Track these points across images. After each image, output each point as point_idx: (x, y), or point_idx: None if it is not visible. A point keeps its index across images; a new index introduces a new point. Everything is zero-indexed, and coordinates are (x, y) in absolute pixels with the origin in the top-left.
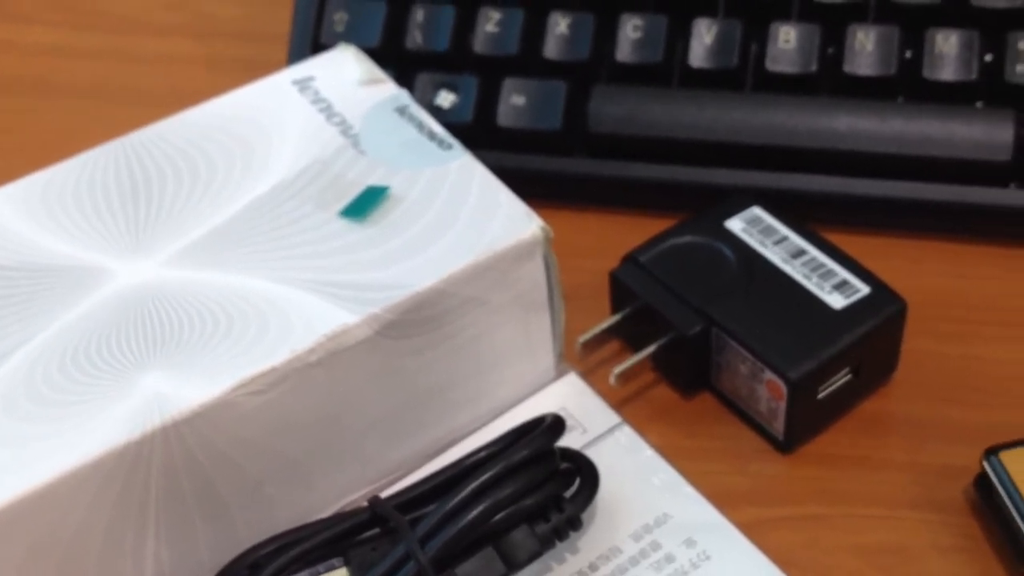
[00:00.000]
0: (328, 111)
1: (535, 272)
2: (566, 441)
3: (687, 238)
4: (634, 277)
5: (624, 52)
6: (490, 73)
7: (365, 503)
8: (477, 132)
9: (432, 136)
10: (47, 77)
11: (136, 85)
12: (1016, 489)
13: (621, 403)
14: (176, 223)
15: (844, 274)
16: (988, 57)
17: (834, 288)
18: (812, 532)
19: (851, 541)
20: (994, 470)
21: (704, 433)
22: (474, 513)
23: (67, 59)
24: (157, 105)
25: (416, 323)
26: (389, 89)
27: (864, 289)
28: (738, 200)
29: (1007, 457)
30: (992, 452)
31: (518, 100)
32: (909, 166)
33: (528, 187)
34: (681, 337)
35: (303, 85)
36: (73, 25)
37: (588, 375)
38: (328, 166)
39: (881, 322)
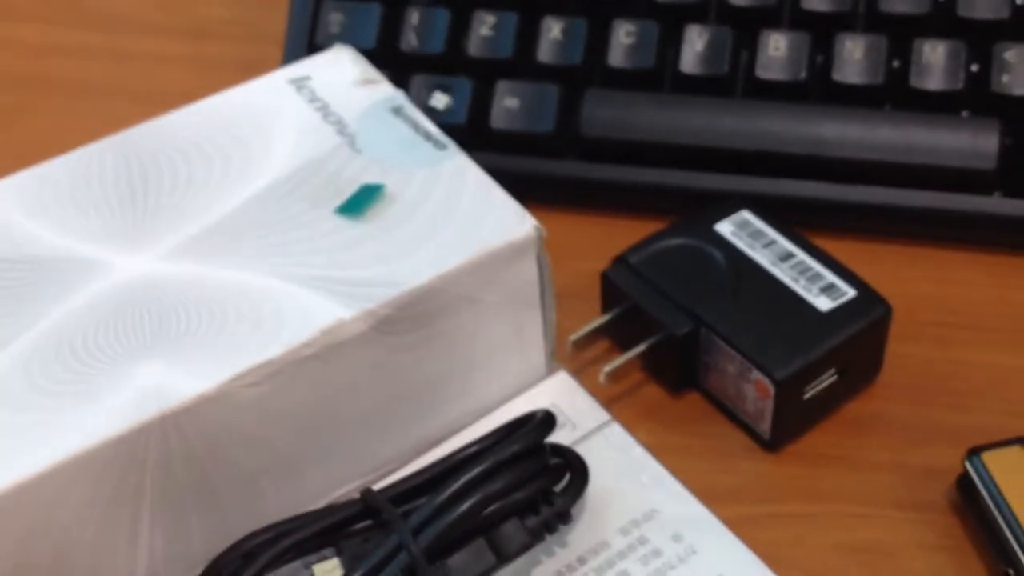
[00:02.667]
0: (324, 110)
1: (528, 271)
2: (556, 437)
3: (677, 240)
4: (625, 278)
5: (617, 57)
6: (484, 76)
7: (356, 495)
8: (470, 134)
9: (427, 136)
10: (38, 74)
11: (127, 84)
12: (997, 489)
13: (610, 401)
14: (173, 218)
15: (831, 277)
16: (974, 67)
17: (821, 291)
18: (797, 529)
19: (836, 539)
20: (976, 470)
21: (691, 431)
22: (466, 506)
23: (58, 57)
24: (147, 104)
25: (410, 319)
26: (385, 90)
27: (850, 292)
28: (728, 204)
29: (989, 458)
30: (974, 453)
31: (511, 103)
32: (896, 173)
33: (520, 189)
34: (671, 337)
35: (299, 84)
36: (64, 23)
37: (578, 373)
38: (324, 164)
39: (867, 325)
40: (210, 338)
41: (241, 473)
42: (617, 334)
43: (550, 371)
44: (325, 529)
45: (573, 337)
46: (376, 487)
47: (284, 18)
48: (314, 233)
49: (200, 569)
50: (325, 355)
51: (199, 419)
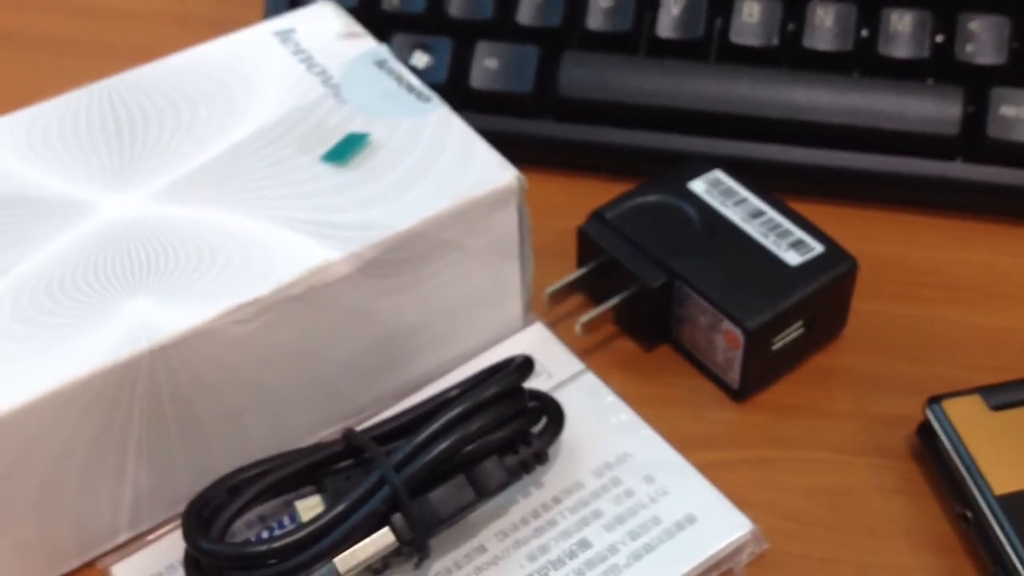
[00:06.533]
0: (309, 62)
1: (509, 220)
2: (532, 385)
3: (652, 197)
4: (601, 232)
5: (595, 20)
6: (464, 36)
7: (338, 436)
8: (450, 93)
9: (411, 89)
10: (13, 29)
11: (104, 40)
12: (956, 435)
13: (584, 353)
14: (160, 161)
15: (800, 233)
16: (940, 37)
17: (790, 246)
18: (764, 473)
19: (800, 482)
20: (936, 417)
21: (663, 382)
22: (446, 443)
23: (33, 11)
24: (125, 59)
25: (395, 263)
26: (368, 43)
27: (818, 248)
28: (701, 163)
29: (948, 406)
30: (934, 401)
31: (491, 63)
32: (863, 138)
33: (498, 148)
34: (645, 289)
35: (284, 36)
36: None
37: (554, 327)
38: (309, 113)
39: (833, 278)
40: (198, 276)
41: (226, 410)
42: (593, 289)
43: (526, 323)
44: (308, 467)
45: (549, 289)
46: (358, 428)
47: None
48: (300, 178)
49: (183, 505)
50: (311, 296)
51: (186, 354)
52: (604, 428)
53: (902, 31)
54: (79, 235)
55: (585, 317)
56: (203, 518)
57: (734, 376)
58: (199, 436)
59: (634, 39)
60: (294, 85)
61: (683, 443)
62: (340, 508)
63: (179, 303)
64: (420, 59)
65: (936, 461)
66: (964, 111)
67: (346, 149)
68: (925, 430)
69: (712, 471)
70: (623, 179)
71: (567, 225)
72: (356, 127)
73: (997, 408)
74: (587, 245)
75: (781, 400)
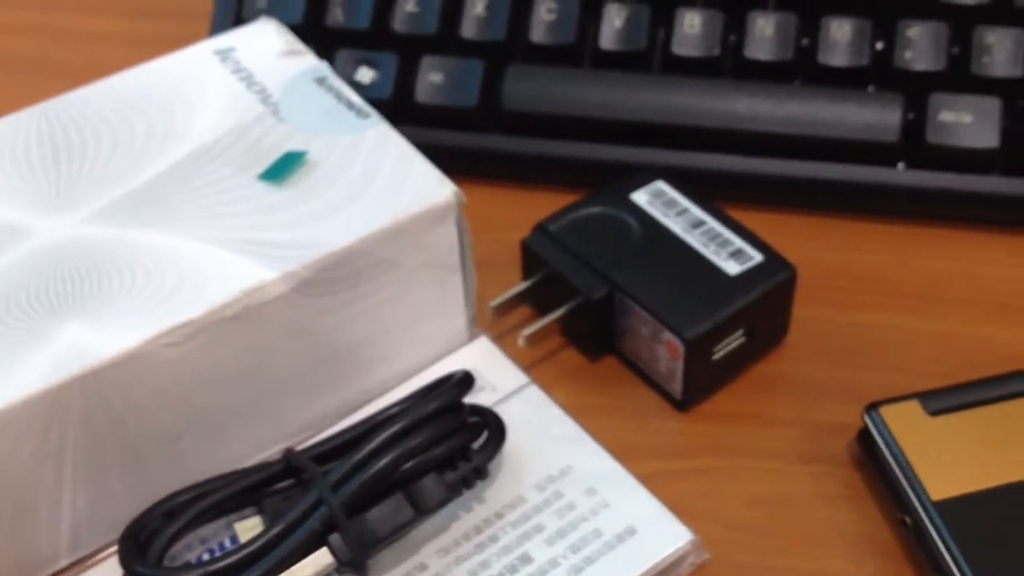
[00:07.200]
0: (248, 80)
1: (448, 236)
2: (476, 399)
3: (595, 209)
4: (544, 245)
5: (538, 33)
6: (409, 51)
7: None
8: (396, 108)
9: (350, 106)
10: None
11: (63, 60)
12: (895, 440)
13: (530, 366)
14: (97, 183)
15: (739, 243)
16: (879, 44)
17: (730, 256)
18: (707, 483)
19: (743, 491)
20: (874, 424)
21: (608, 393)
22: (384, 461)
23: None
24: (82, 79)
25: (331, 282)
26: (309, 60)
27: (757, 257)
28: (643, 174)
29: (887, 412)
30: (873, 407)
31: (436, 77)
32: (804, 146)
33: (444, 162)
34: (587, 301)
35: (224, 55)
36: None
37: (499, 340)
38: (247, 132)
39: (773, 287)
40: (131, 299)
41: (163, 433)
42: (537, 301)
43: (471, 337)
44: (247, 488)
45: (493, 303)
46: (299, 448)
47: None
48: (237, 198)
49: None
50: (246, 316)
51: (119, 378)
52: (547, 441)
53: (841, 39)
54: (11, 260)
55: (528, 330)
56: (140, 543)
57: (676, 386)
58: (137, 460)
59: (578, 51)
60: (233, 104)
61: (627, 453)
62: (277, 530)
63: (112, 326)
64: (365, 75)
65: (876, 467)
66: (904, 117)
67: (283, 168)
68: (865, 437)
69: (655, 481)
70: (570, 190)
71: (514, 237)
72: (294, 145)
73: (935, 413)
74: (530, 258)
75: (724, 409)
